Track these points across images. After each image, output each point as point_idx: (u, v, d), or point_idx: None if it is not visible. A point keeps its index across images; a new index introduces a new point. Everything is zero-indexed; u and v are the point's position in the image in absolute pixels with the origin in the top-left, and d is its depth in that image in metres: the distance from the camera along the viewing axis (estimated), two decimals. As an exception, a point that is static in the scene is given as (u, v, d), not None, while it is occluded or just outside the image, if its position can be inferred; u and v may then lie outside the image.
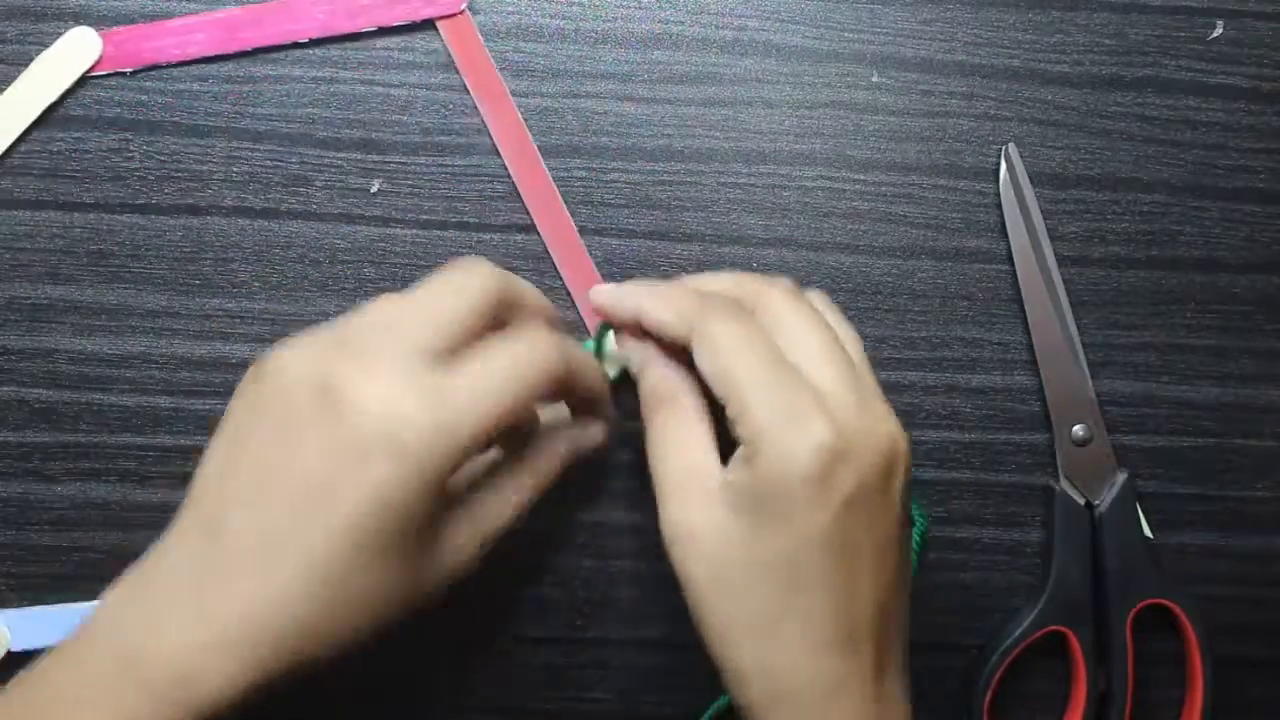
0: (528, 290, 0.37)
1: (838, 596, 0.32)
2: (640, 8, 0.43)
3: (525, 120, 0.42)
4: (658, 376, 0.36)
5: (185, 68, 0.42)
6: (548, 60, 0.43)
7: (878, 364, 0.43)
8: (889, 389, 0.42)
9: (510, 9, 0.43)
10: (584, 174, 0.42)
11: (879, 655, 0.33)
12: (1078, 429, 0.42)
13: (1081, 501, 0.42)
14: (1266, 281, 0.44)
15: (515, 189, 0.42)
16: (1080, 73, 0.44)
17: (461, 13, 0.42)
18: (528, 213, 0.42)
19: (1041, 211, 0.43)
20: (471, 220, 0.42)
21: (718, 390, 0.33)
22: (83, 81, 0.41)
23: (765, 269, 0.42)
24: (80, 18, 0.41)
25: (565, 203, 0.42)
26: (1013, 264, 0.43)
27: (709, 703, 0.41)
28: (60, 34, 0.41)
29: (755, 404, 0.32)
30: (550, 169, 0.42)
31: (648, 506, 0.41)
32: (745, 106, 0.43)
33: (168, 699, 0.29)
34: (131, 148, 0.41)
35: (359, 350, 0.31)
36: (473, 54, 0.42)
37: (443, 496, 0.32)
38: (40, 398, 0.41)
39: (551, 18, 0.43)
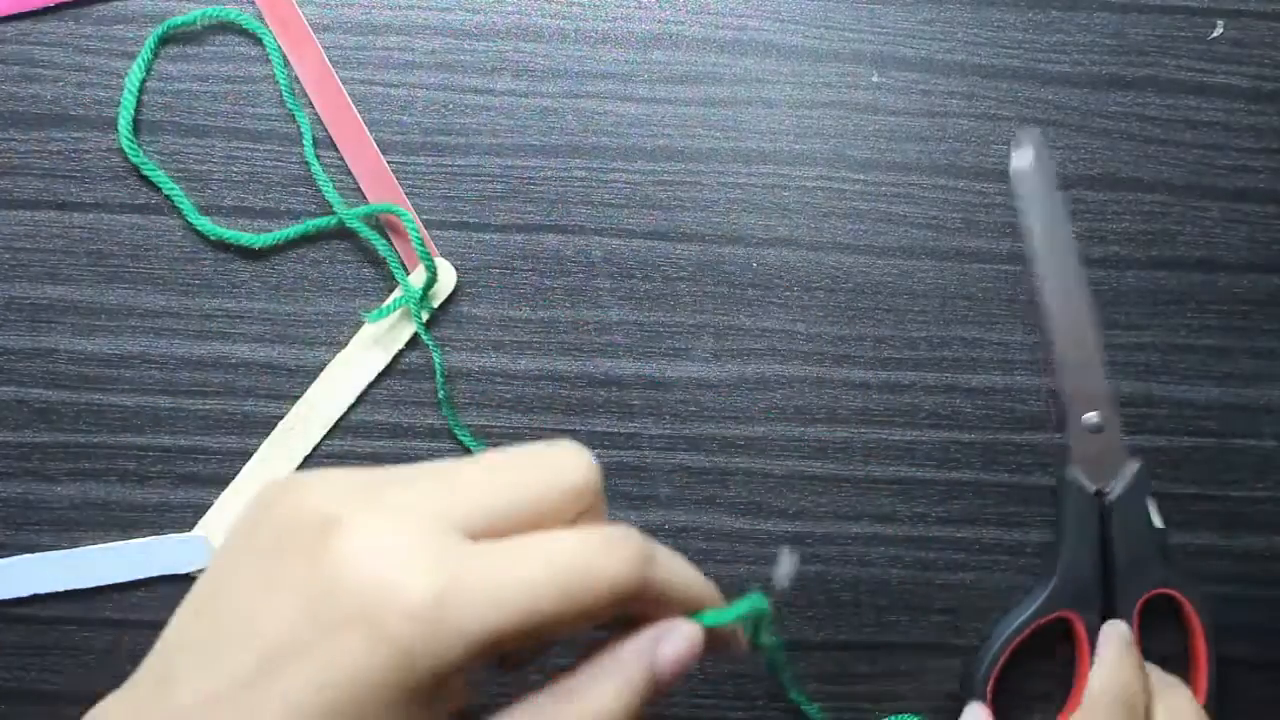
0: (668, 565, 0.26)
1: None
2: (640, 8, 0.43)
3: (525, 121, 0.42)
4: None
5: (185, 67, 0.42)
6: (548, 60, 0.43)
7: (878, 364, 0.43)
8: (890, 389, 0.43)
9: (510, 9, 0.43)
10: (584, 174, 0.42)
11: None
12: (1091, 416, 0.42)
13: (1092, 489, 0.42)
14: (1266, 281, 0.44)
15: (514, 188, 0.42)
16: (1080, 73, 0.44)
17: None
18: (522, 211, 0.42)
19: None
20: (472, 220, 0.42)
21: None
22: None
23: (765, 269, 0.42)
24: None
25: (565, 203, 0.42)
26: (1013, 264, 0.43)
27: (710, 705, 0.41)
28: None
29: None
30: (550, 169, 0.42)
31: (648, 506, 0.42)
32: (745, 106, 0.43)
33: None
34: (131, 148, 0.42)
35: (388, 495, 0.25)
36: (283, 11, 0.41)
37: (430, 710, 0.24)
38: (40, 398, 0.41)
39: (551, 18, 0.43)
